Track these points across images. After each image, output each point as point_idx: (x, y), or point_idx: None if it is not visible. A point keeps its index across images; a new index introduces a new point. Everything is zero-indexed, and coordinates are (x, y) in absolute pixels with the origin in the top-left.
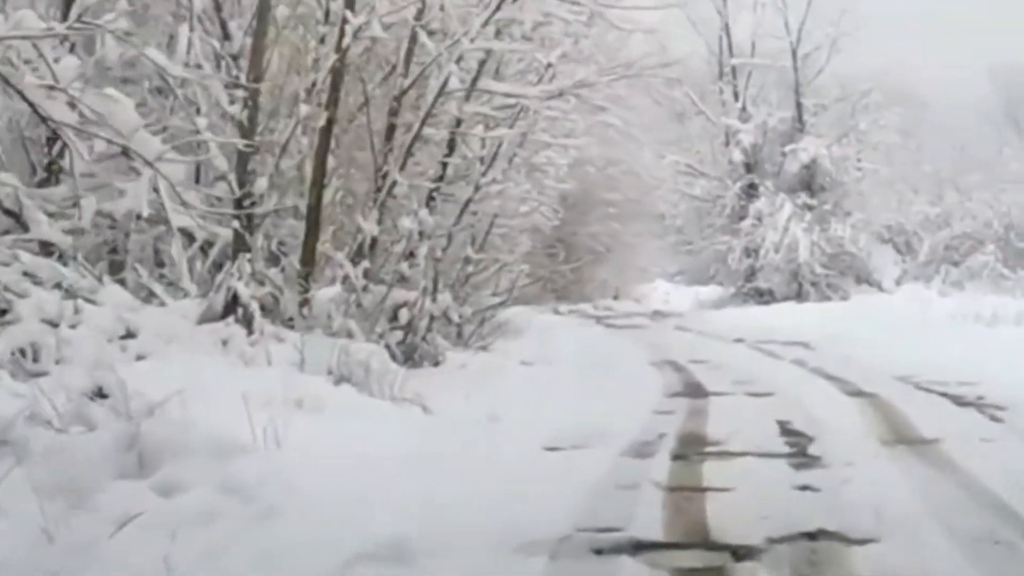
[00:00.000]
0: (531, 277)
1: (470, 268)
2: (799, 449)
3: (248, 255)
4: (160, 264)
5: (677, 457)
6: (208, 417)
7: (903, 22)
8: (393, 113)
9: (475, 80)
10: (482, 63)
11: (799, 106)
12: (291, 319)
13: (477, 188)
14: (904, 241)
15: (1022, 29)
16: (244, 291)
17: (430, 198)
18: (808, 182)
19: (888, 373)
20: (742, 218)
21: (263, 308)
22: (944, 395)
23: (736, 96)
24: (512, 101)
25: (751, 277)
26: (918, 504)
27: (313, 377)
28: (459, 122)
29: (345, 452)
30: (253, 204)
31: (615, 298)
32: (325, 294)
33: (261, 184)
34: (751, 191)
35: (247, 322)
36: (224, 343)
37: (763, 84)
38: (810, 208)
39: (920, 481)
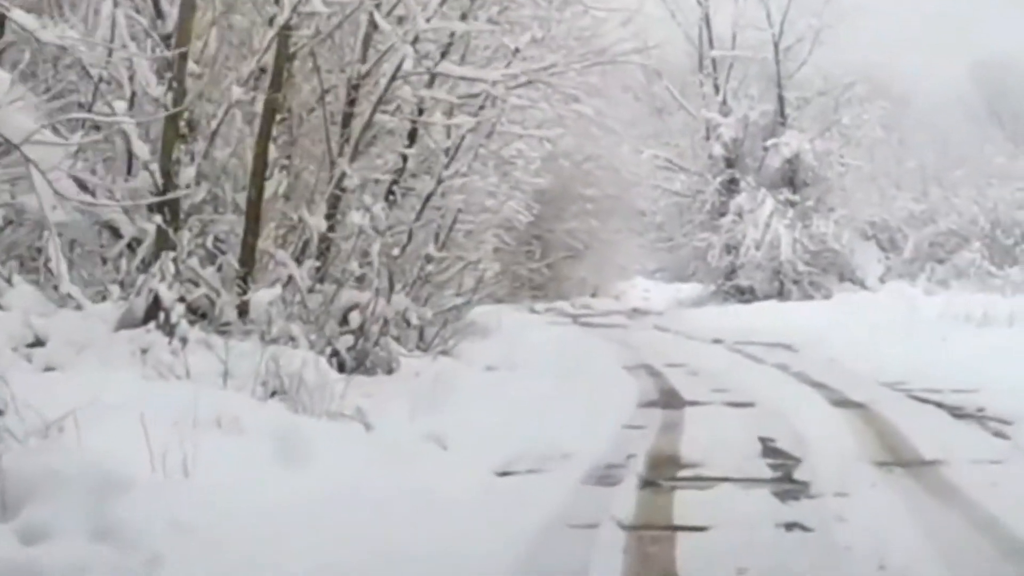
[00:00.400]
0: (502, 275)
1: (431, 267)
2: (784, 474)
3: (173, 253)
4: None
5: (646, 484)
6: (101, 442)
7: (884, 17)
8: (350, 102)
9: (435, 64)
10: (445, 48)
11: (781, 99)
12: (227, 324)
13: (440, 181)
14: (888, 238)
15: (1003, 25)
16: (167, 293)
17: (389, 192)
18: (790, 177)
19: (877, 379)
20: (722, 214)
21: (196, 312)
22: (940, 405)
23: (717, 89)
24: (477, 89)
25: (731, 275)
26: (926, 549)
27: (237, 392)
28: (421, 111)
29: (261, 484)
30: (178, 196)
31: (594, 296)
32: (264, 296)
33: (188, 174)
34: (732, 186)
35: (169, 328)
36: (143, 352)
37: (744, 77)
38: (792, 204)
39: (926, 517)
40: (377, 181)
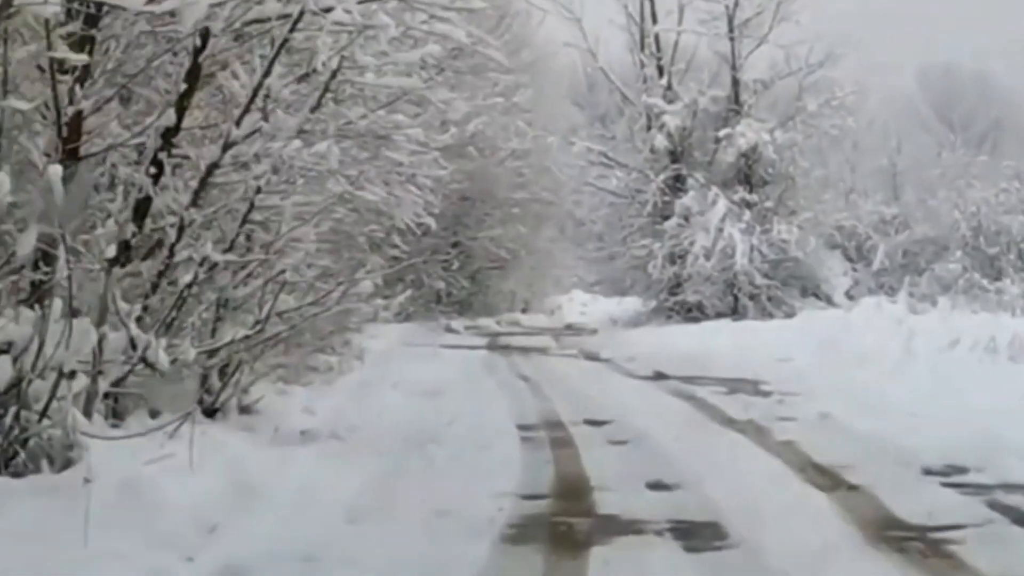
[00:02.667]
0: (404, 288)
1: (223, 280)
2: None
3: None
4: None
5: None
6: None
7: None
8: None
9: None
10: None
11: (736, 83)
12: None
13: (227, 146)
14: (855, 246)
15: (950, 29)
16: None
17: (155, 161)
18: (746, 174)
19: (918, 462)
20: (666, 217)
21: None
22: None
23: (660, 71)
24: None
25: (676, 289)
26: None
27: None
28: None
29: None
30: None
31: (524, 311)
32: None
33: None
34: (677, 185)
35: None
36: None
37: (693, 56)
38: (749, 205)
39: None
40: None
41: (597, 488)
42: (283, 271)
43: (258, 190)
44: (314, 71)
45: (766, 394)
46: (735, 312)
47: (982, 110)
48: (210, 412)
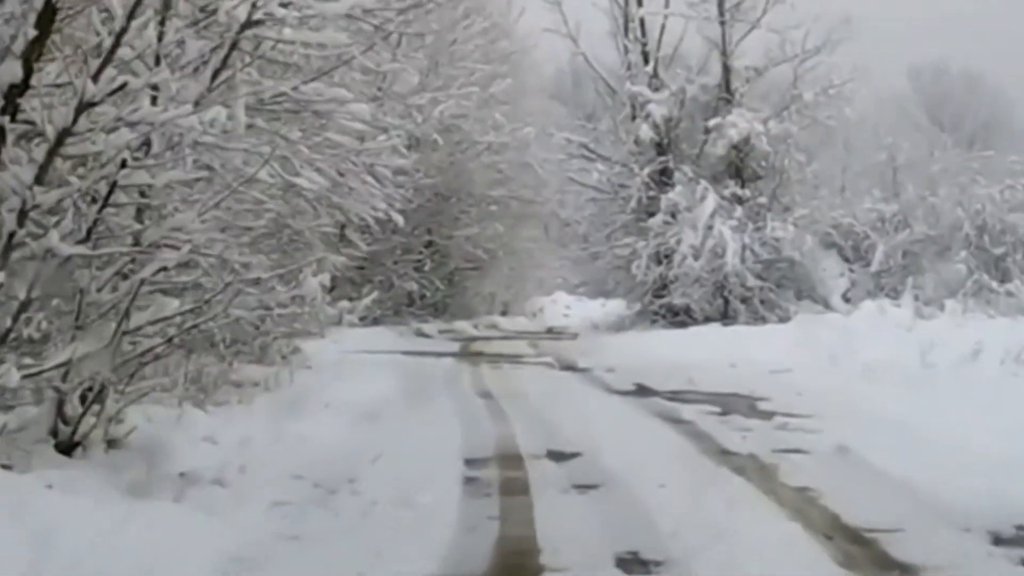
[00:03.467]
0: (343, 291)
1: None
2: None
3: None
4: None
5: None
6: None
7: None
8: None
9: None
10: None
11: (727, 70)
12: None
13: (81, 108)
14: (852, 245)
15: (940, 28)
16: None
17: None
18: (738, 168)
19: (987, 528)
20: (651, 214)
21: None
22: None
23: (646, 58)
24: None
25: (662, 291)
26: None
27: None
28: None
29: None
30: None
31: (504, 314)
32: None
33: None
34: (663, 179)
35: None
36: None
37: (680, 42)
38: (740, 201)
39: None
40: None
41: (549, 569)
42: (163, 269)
43: (123, 164)
44: (215, 22)
45: (765, 415)
46: (725, 316)
47: (972, 110)
48: (68, 447)
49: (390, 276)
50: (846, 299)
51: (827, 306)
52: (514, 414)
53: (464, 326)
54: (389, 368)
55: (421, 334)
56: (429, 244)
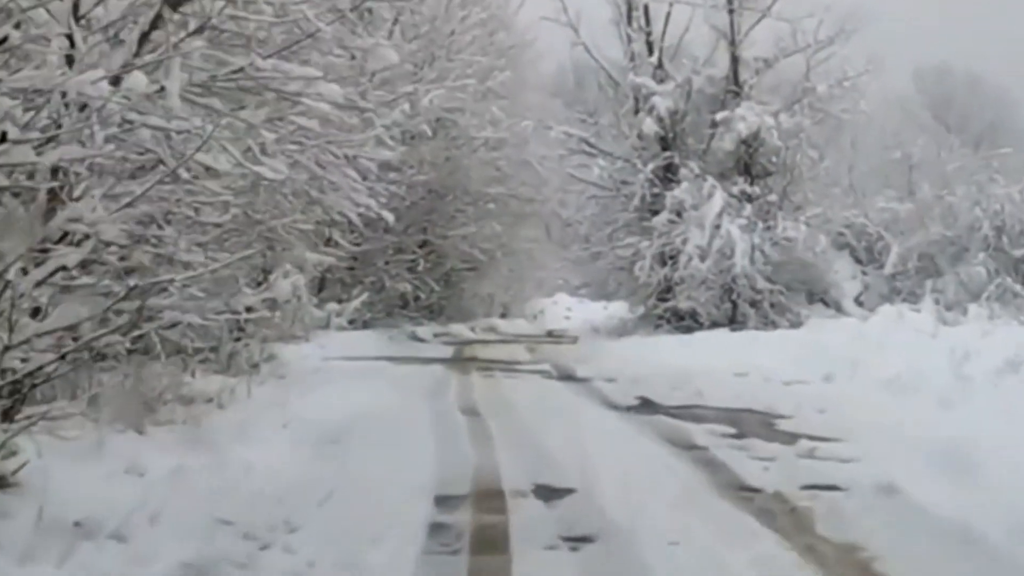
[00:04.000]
0: (332, 294)
1: None
2: None
3: None
4: None
5: None
6: None
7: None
8: None
9: None
10: None
11: (735, 61)
12: None
13: None
14: (865, 247)
15: (943, 30)
16: None
17: None
18: (747, 164)
19: None
20: (655, 212)
21: None
22: None
23: (650, 48)
24: None
25: (667, 294)
26: None
27: None
28: None
29: None
30: None
31: (503, 316)
32: None
33: None
34: (668, 175)
35: None
36: None
37: (686, 31)
38: (749, 198)
39: None
40: None
41: None
42: (61, 269)
43: (3, 138)
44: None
45: (787, 438)
46: (733, 321)
47: (977, 111)
48: None
49: (382, 277)
50: (858, 303)
51: (839, 310)
52: (501, 436)
53: (461, 329)
54: (370, 377)
55: (414, 337)
56: (424, 244)
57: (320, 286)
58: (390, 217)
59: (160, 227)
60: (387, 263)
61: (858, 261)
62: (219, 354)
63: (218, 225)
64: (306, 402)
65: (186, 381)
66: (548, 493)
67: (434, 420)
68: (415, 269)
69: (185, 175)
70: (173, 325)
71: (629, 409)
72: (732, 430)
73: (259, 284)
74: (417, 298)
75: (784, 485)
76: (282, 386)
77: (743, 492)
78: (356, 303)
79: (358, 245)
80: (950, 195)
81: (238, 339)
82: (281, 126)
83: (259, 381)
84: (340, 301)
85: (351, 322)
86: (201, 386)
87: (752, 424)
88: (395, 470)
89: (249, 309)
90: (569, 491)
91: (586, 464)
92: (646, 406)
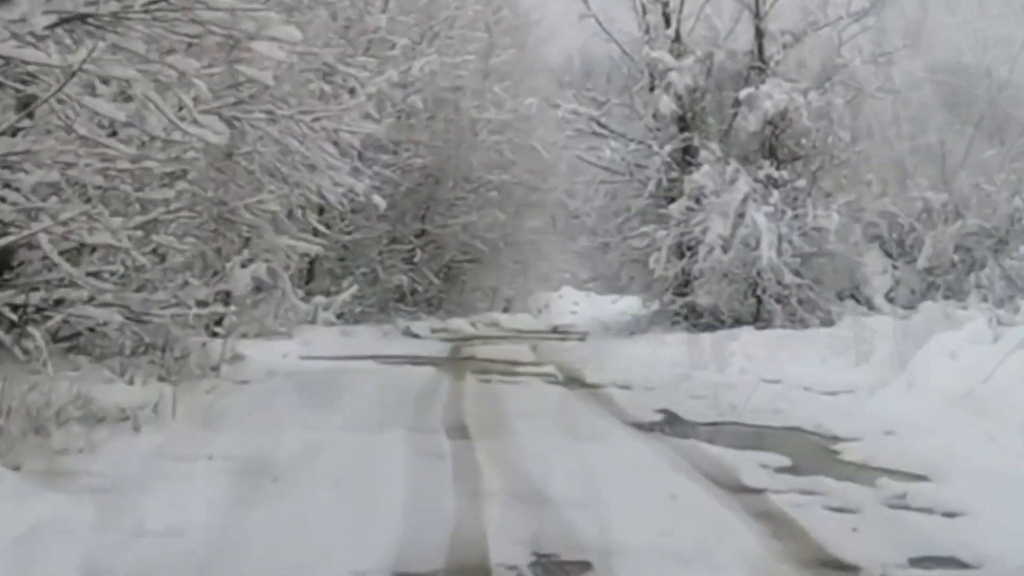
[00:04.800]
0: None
1: None
2: None
3: None
4: None
5: None
6: None
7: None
8: None
9: None
10: None
11: (760, 34)
12: None
13: None
14: (896, 238)
15: (953, 27)
16: None
17: None
18: (772, 146)
19: None
20: (672, 199)
21: None
22: None
23: (667, 20)
24: None
25: (684, 288)
26: None
27: None
28: None
29: None
30: None
31: (506, 311)
32: None
33: None
34: (687, 158)
35: None
36: None
37: (706, 1)
38: (776, 184)
39: None
40: None
41: None
42: None
43: None
44: None
45: (860, 474)
46: (758, 318)
47: (991, 104)
48: None
49: (375, 268)
50: (889, 299)
51: (871, 307)
52: (493, 472)
53: (460, 324)
54: (347, 384)
55: (409, 333)
56: (421, 233)
57: (308, 277)
58: (382, 203)
59: (65, 199)
60: (381, 253)
61: (888, 254)
62: (164, 356)
63: (165, 203)
64: (250, 420)
65: (94, 395)
66: (554, 571)
67: (411, 447)
68: (412, 260)
69: (82, 131)
70: (69, 327)
71: (652, 428)
72: (786, 461)
73: (215, 274)
74: (414, 291)
75: (887, 557)
76: (235, 395)
77: (836, 574)
78: (345, 296)
79: (348, 233)
80: (990, 184)
81: (215, 334)
82: (224, 79)
83: (208, 388)
84: (329, 294)
85: (340, 316)
86: (120, 398)
87: (808, 451)
88: (343, 530)
89: (202, 304)
90: (583, 567)
91: (605, 521)
92: (672, 423)
